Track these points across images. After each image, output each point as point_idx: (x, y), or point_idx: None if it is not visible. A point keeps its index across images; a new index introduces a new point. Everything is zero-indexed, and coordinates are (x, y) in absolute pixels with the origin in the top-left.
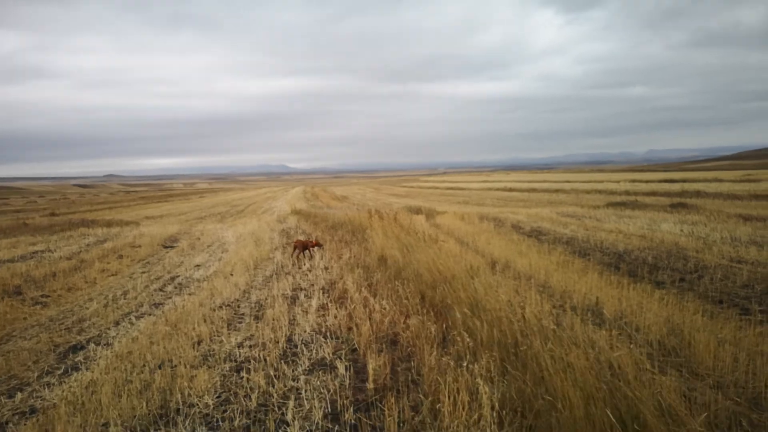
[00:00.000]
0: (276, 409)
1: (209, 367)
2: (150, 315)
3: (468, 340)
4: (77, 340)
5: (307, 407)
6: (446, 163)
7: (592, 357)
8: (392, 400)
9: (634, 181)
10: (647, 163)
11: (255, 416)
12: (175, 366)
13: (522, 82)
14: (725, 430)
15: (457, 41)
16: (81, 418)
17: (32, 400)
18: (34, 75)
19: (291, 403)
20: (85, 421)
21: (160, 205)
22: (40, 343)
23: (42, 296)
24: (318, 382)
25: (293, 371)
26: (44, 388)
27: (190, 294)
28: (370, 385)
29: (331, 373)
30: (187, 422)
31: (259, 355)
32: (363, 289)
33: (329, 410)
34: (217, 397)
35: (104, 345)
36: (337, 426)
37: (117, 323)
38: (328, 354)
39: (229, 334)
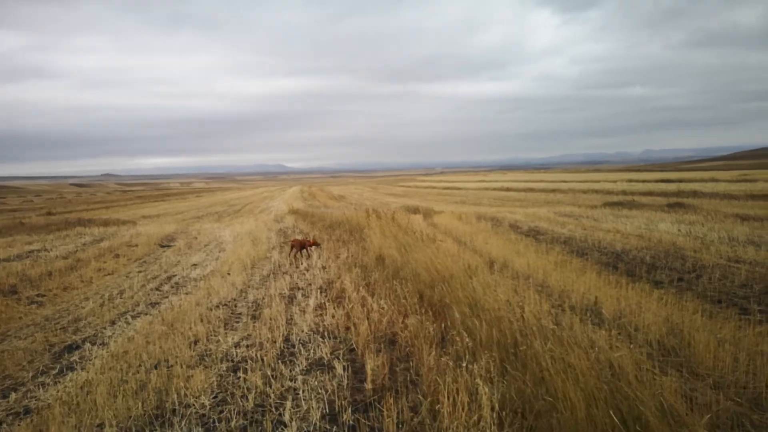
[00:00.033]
0: (273, 409)
1: (206, 367)
2: (146, 314)
3: (467, 339)
4: (73, 339)
5: (305, 408)
6: (444, 163)
7: (592, 357)
8: (391, 400)
9: (630, 180)
10: (643, 163)
11: (252, 417)
12: (172, 366)
13: (521, 82)
14: (727, 431)
15: (456, 41)
16: (76, 418)
17: (27, 401)
18: (34, 75)
19: (288, 404)
20: (79, 422)
21: (157, 205)
22: (35, 342)
23: (38, 295)
24: (316, 383)
25: (291, 371)
26: (39, 388)
27: (186, 293)
28: (369, 386)
29: (328, 373)
30: (183, 423)
31: (256, 354)
32: (361, 288)
33: (327, 411)
34: (214, 398)
35: (100, 344)
36: (335, 427)
37: (113, 323)
38: (326, 354)
39: (225, 333)
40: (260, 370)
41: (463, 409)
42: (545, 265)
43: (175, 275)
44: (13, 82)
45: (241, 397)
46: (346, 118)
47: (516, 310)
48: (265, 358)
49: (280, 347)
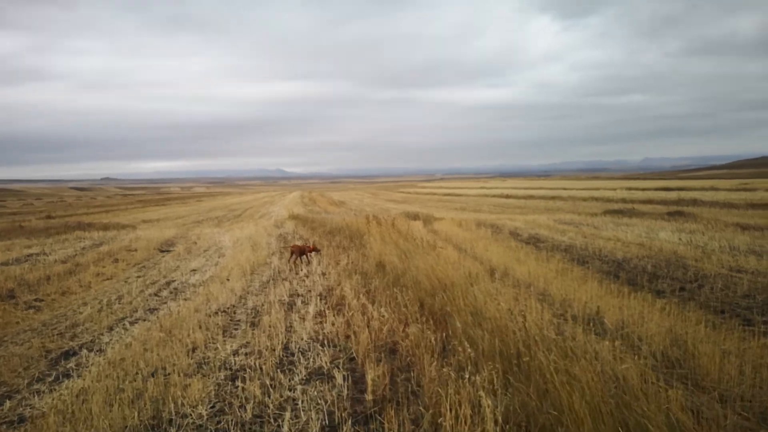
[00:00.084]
0: (272, 420)
1: (203, 376)
2: (144, 320)
3: (469, 350)
4: (69, 345)
5: (304, 419)
6: (445, 169)
7: (597, 369)
8: (392, 412)
9: (630, 188)
10: (642, 171)
11: (250, 428)
12: (169, 374)
13: (521, 88)
14: None
15: (456, 48)
16: (70, 428)
17: (21, 408)
18: (32, 77)
19: (287, 415)
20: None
21: (157, 209)
22: (31, 348)
23: (35, 300)
24: (315, 393)
25: (290, 381)
26: (34, 396)
27: (185, 299)
28: (369, 397)
29: (328, 383)
30: None
31: (254, 363)
32: (361, 295)
33: (327, 422)
34: (211, 408)
35: (97, 351)
36: None
37: (110, 329)
38: (326, 363)
39: (224, 341)
40: (259, 379)
41: (465, 423)
42: (546, 274)
43: (174, 281)
44: (13, 84)
45: (239, 407)
46: (346, 124)
47: (518, 319)
48: (263, 367)
49: (279, 355)
